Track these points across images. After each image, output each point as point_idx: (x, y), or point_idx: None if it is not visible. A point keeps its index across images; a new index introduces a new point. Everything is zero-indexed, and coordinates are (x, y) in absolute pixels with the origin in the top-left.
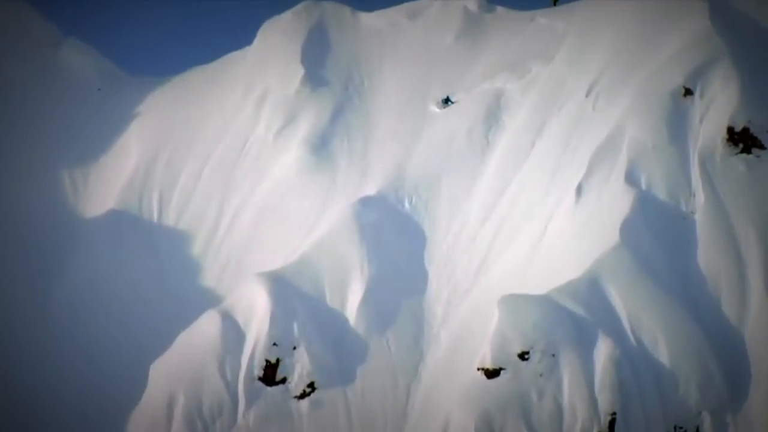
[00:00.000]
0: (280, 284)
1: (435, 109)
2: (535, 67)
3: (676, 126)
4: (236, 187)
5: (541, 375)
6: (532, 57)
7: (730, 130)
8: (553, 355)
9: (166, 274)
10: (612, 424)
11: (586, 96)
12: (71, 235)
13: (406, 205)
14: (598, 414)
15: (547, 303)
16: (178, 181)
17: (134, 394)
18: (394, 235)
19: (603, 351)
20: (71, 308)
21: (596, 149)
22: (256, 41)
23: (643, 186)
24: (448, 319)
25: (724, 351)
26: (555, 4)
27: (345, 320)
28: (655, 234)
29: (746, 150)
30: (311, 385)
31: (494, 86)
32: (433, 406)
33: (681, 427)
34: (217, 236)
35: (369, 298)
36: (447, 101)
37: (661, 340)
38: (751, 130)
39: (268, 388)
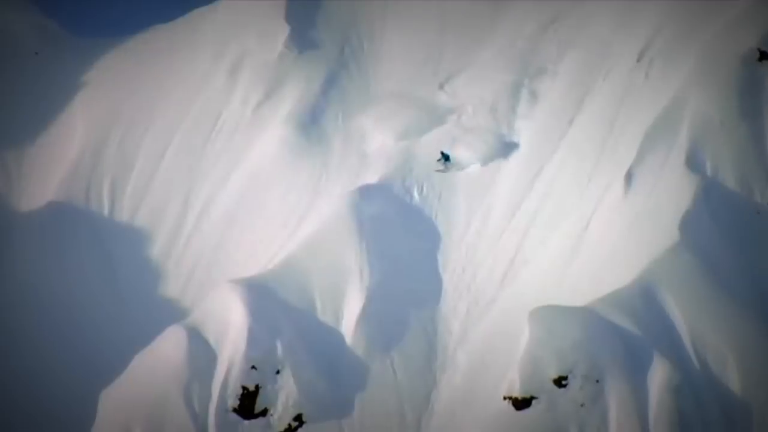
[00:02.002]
0: (259, 293)
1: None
2: (574, 26)
3: (748, 98)
4: (205, 174)
5: (582, 405)
6: (570, 14)
7: None
8: (597, 381)
9: (119, 281)
10: None
11: (637, 61)
12: (1, 233)
13: (416, 195)
14: None
15: (589, 317)
16: (134, 167)
17: (79, 428)
18: (400, 232)
19: (659, 376)
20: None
21: (650, 127)
22: None
23: (708, 172)
24: (467, 336)
25: None
26: None
27: (340, 338)
28: (723, 231)
29: None
30: (298, 419)
31: (523, 51)
32: None
33: None
34: (182, 234)
35: (370, 311)
36: (446, 158)
37: (731, 362)
38: None
39: (245, 422)
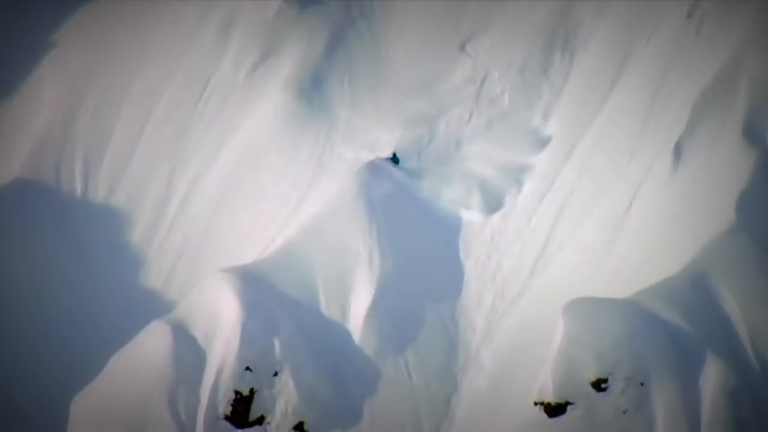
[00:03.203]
0: (254, 285)
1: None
2: None
3: None
4: (192, 148)
5: (624, 412)
6: None
7: None
8: (642, 384)
9: (93, 270)
10: None
11: (687, 17)
12: None
13: (435, 171)
14: None
15: (632, 310)
16: (110, 140)
17: None
18: (416, 215)
19: (712, 378)
20: None
21: (701, 94)
22: None
23: None
24: (493, 333)
25: None
26: None
27: (347, 335)
28: None
29: None
30: (299, 427)
31: (557, 5)
32: None
33: None
34: (166, 217)
35: (381, 305)
36: (395, 161)
37: None
38: None
39: (239, 431)
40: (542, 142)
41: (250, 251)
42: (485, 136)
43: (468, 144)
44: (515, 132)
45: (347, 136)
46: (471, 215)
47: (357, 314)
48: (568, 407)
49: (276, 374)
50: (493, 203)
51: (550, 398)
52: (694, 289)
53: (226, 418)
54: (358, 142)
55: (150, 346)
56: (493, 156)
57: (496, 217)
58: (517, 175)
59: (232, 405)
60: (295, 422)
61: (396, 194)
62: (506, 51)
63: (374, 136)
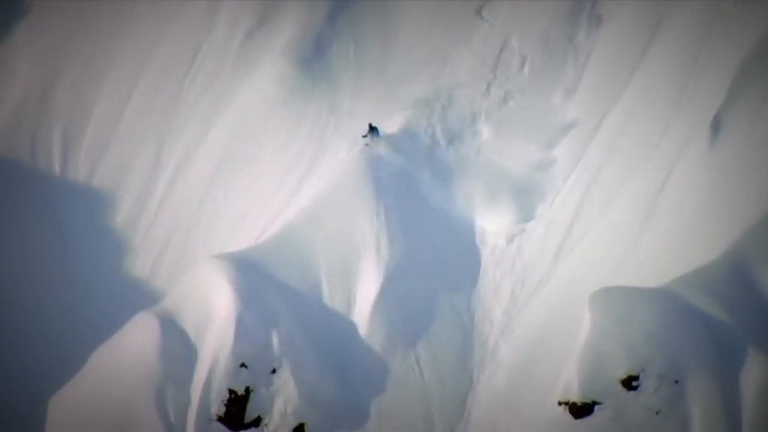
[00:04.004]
0: (250, 273)
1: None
2: None
3: None
4: (181, 123)
5: (657, 413)
6: None
7: None
8: (677, 382)
9: (72, 257)
10: None
11: None
12: None
13: (449, 147)
14: None
15: (666, 300)
16: (91, 115)
17: None
18: (429, 195)
19: (754, 374)
20: None
21: (742, 62)
22: None
23: None
24: (512, 326)
25: None
26: None
27: (352, 328)
28: None
29: None
30: (300, 429)
31: None
32: None
33: None
34: (152, 199)
35: (389, 295)
36: (374, 131)
37: None
38: None
39: None
40: (566, 117)
41: (246, 237)
42: (503, 110)
43: (484, 120)
44: (536, 106)
45: (352, 110)
46: (487, 200)
47: (363, 305)
48: (596, 407)
49: (274, 371)
50: (512, 186)
51: (576, 397)
52: (734, 276)
53: (220, 419)
54: (365, 117)
55: (135, 341)
56: (510, 133)
57: None
58: (539, 152)
59: (225, 405)
60: (296, 424)
61: (405, 174)
62: (527, 16)
63: (382, 109)
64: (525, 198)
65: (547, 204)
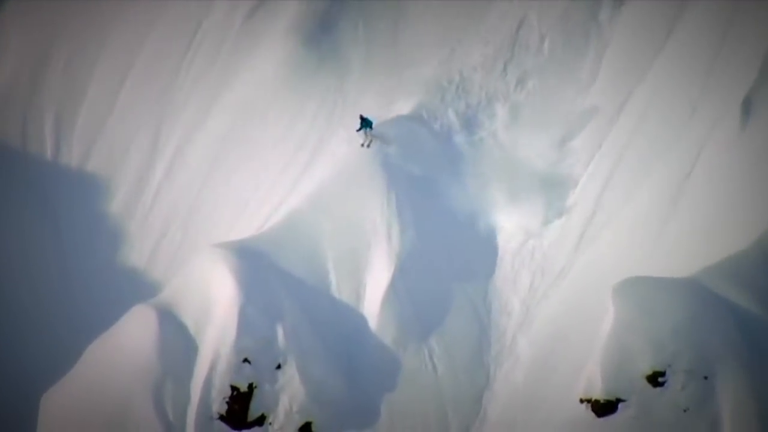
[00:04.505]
0: (253, 262)
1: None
2: None
3: None
4: (180, 105)
5: (685, 411)
6: None
7: None
8: (706, 378)
9: (66, 246)
10: None
11: None
12: None
13: (462, 132)
14: None
15: (694, 291)
16: (85, 97)
17: None
18: (442, 180)
19: None
20: None
21: None
22: None
23: None
24: (531, 318)
25: None
26: None
27: (362, 321)
28: None
29: None
30: (306, 429)
31: None
32: None
33: None
34: (149, 185)
35: (401, 286)
36: (367, 125)
37: None
38: None
39: None
40: (587, 99)
41: (248, 224)
42: (521, 92)
43: (502, 101)
44: (556, 87)
45: (362, 89)
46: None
47: (373, 297)
48: (619, 405)
49: (279, 367)
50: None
51: (599, 394)
52: (766, 266)
53: (221, 417)
54: (375, 96)
55: (132, 335)
56: (528, 115)
57: None
58: (558, 137)
59: (227, 403)
60: (302, 423)
61: (418, 159)
62: None
63: (393, 89)
64: (547, 193)
65: (567, 194)
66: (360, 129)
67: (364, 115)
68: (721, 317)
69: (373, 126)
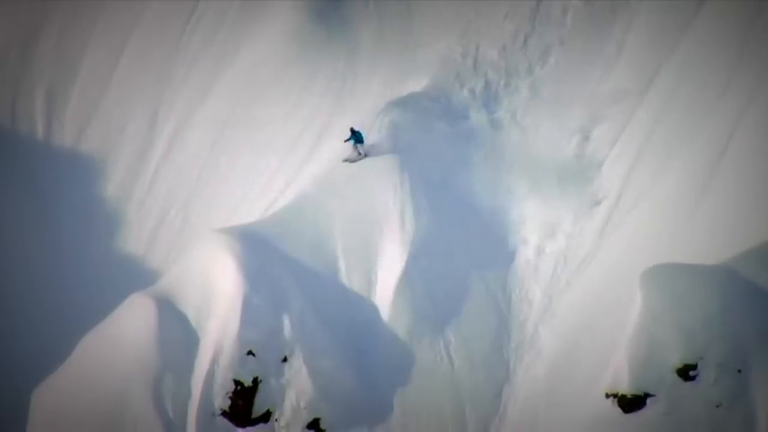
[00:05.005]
0: (258, 249)
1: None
2: None
3: None
4: (179, 82)
5: (718, 406)
6: None
7: None
8: (740, 371)
9: (58, 232)
10: None
11: None
12: None
13: (479, 110)
14: None
15: (726, 279)
16: (78, 72)
17: None
18: (458, 162)
19: None
20: None
21: None
22: None
23: None
24: (553, 308)
25: None
26: None
27: (373, 311)
28: None
29: None
30: (314, 425)
31: None
32: None
33: None
34: (147, 167)
35: (415, 274)
36: (357, 139)
37: None
38: None
39: (239, 430)
40: (612, 75)
41: (253, 208)
42: (543, 67)
43: (522, 76)
44: (580, 60)
45: (373, 65)
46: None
47: (385, 285)
48: (648, 400)
49: (285, 360)
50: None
51: (626, 389)
52: None
53: (224, 414)
54: (387, 72)
55: (129, 326)
56: (550, 93)
57: None
58: (582, 114)
59: (231, 398)
60: (310, 419)
61: (431, 137)
62: None
63: (406, 65)
64: (569, 178)
65: (592, 176)
66: (348, 140)
67: (355, 128)
68: (756, 306)
69: (364, 141)
